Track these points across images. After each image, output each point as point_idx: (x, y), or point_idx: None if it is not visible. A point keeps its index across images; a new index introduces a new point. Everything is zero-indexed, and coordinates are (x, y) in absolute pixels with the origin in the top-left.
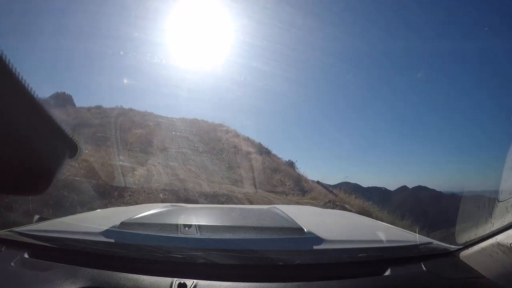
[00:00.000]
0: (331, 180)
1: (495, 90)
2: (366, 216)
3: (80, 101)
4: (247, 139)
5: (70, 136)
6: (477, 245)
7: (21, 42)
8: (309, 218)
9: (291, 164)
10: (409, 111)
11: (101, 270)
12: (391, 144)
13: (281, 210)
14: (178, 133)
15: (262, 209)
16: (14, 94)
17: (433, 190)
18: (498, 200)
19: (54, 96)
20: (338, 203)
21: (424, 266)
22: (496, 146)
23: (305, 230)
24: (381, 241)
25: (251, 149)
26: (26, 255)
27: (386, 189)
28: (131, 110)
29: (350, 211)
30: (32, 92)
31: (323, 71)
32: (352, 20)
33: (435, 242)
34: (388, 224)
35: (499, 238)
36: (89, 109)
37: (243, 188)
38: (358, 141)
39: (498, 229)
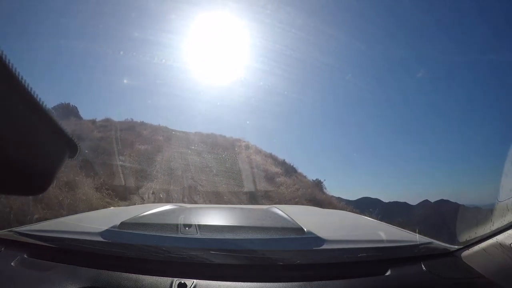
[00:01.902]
0: (350, 195)
1: None
2: None
3: (89, 114)
4: (270, 156)
5: (70, 136)
6: (477, 245)
7: (20, 44)
8: (309, 218)
9: (318, 183)
10: (427, 121)
11: (101, 270)
12: (411, 156)
13: (281, 210)
14: (189, 150)
15: (262, 209)
16: (14, 94)
17: (455, 203)
18: (498, 200)
19: (57, 108)
20: None
21: (424, 266)
22: None
23: (305, 230)
24: (381, 241)
25: (277, 169)
26: (26, 255)
27: (407, 204)
28: (142, 123)
29: None
30: (32, 92)
31: (339, 84)
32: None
33: (435, 242)
34: (388, 224)
35: (499, 238)
36: (94, 121)
37: None
38: (376, 153)
39: (498, 229)
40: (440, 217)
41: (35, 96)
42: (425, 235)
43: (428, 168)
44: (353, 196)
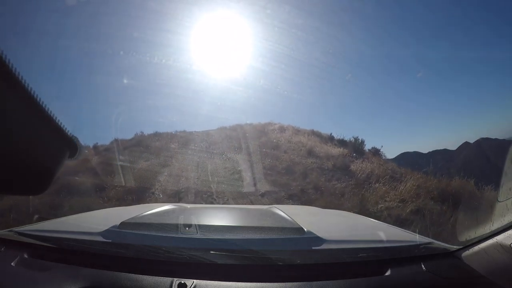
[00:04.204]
0: (388, 154)
1: None
2: None
3: (93, 139)
4: (313, 133)
5: (70, 135)
6: (477, 246)
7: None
8: (309, 218)
9: (376, 152)
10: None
11: (101, 270)
12: (444, 99)
13: (281, 210)
14: (210, 151)
15: (262, 209)
16: (14, 94)
17: (496, 139)
18: (498, 200)
19: None
20: None
21: (424, 266)
22: None
23: (305, 230)
24: (381, 241)
25: (338, 149)
26: (26, 255)
27: (447, 150)
28: (155, 134)
29: None
30: (31, 92)
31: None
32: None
33: (435, 242)
34: (388, 224)
35: (499, 238)
36: (96, 147)
37: None
38: (412, 105)
39: (497, 229)
40: (483, 156)
41: (35, 96)
42: (471, 179)
43: (461, 108)
44: (391, 155)
